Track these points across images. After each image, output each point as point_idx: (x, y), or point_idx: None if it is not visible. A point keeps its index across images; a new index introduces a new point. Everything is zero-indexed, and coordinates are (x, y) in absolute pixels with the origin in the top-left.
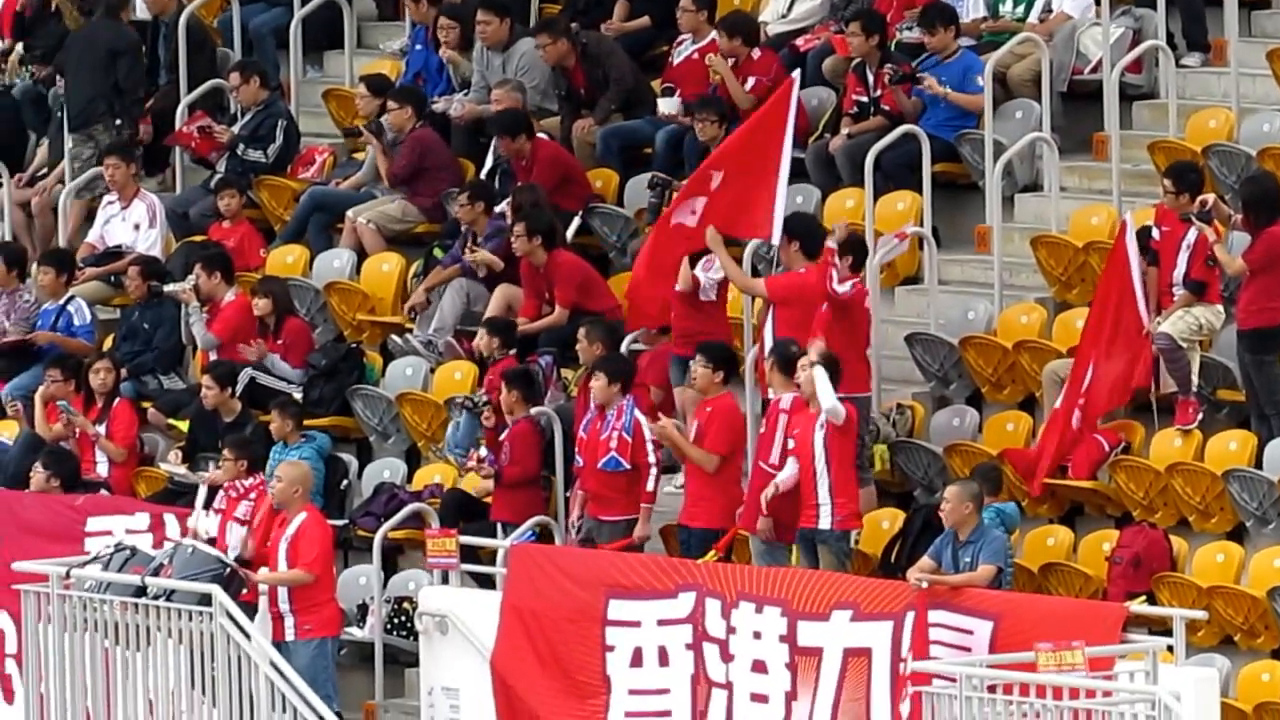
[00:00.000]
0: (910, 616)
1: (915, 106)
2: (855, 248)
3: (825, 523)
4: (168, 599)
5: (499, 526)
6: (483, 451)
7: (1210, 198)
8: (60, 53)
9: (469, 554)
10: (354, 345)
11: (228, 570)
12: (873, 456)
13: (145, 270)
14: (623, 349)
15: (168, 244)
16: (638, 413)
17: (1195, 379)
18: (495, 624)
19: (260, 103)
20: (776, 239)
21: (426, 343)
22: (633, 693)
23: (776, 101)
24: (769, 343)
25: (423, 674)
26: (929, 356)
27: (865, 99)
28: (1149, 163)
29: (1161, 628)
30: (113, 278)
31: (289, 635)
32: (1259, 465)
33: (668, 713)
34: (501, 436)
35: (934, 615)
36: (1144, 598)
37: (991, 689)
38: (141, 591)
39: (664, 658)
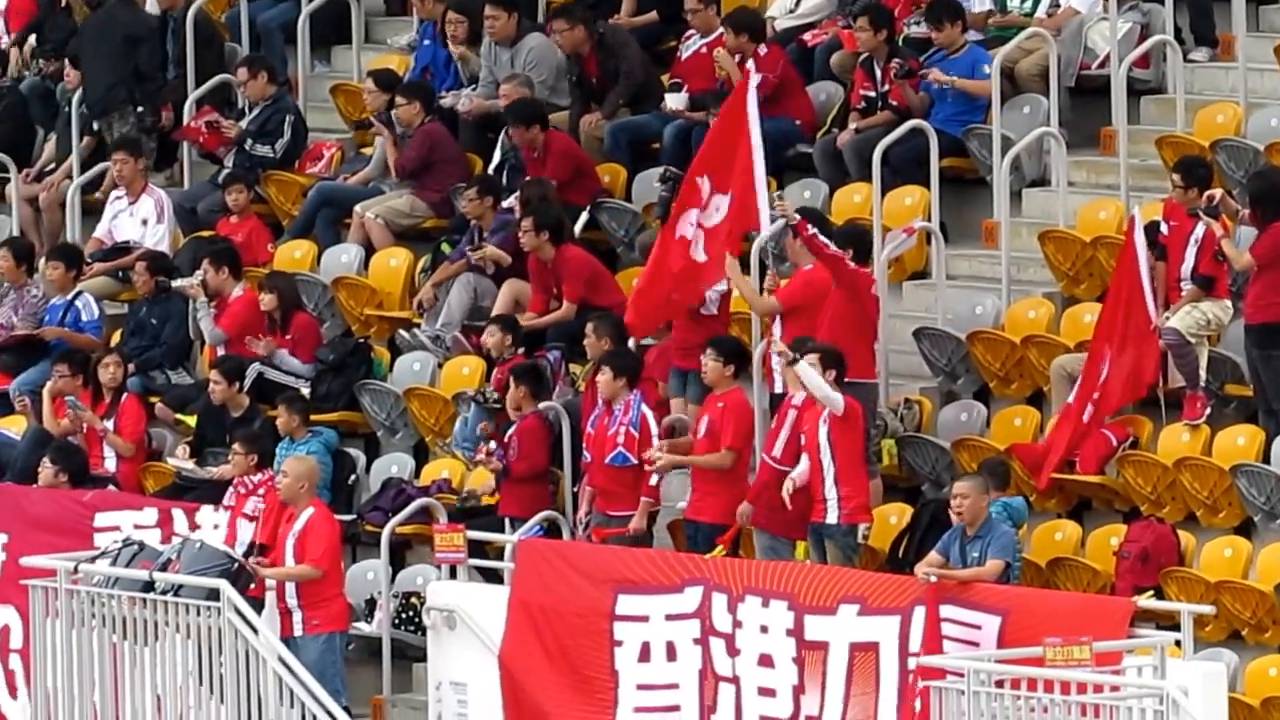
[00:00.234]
0: (920, 611)
1: (923, 101)
2: (859, 240)
3: (832, 517)
4: (175, 594)
5: (507, 521)
6: (491, 445)
7: (1218, 192)
8: (73, 40)
9: (477, 549)
10: (362, 340)
11: (235, 565)
12: (880, 451)
13: (153, 265)
14: (630, 344)
15: (175, 239)
16: (645, 408)
17: (1203, 374)
18: (503, 619)
19: (268, 98)
20: (765, 227)
21: (434, 338)
22: (641, 687)
23: (736, 95)
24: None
25: (431, 669)
26: (936, 351)
27: (873, 94)
28: (1157, 158)
29: (1169, 622)
30: (121, 273)
31: (297, 630)
32: (1267, 460)
33: (676, 707)
34: (509, 432)
35: (942, 610)
36: (1151, 592)
37: (999, 684)
38: (149, 586)
39: (672, 652)
